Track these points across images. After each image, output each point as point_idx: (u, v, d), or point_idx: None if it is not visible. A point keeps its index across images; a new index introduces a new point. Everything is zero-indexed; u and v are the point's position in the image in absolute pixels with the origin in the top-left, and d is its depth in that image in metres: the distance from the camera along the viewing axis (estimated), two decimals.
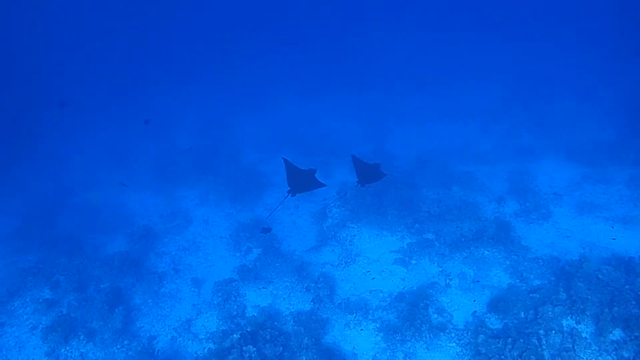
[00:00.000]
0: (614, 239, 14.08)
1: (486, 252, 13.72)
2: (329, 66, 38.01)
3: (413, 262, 13.96)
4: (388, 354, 11.27)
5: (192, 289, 14.40)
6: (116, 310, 13.07)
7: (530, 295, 11.88)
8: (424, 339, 11.36)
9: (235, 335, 11.33)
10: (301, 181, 13.09)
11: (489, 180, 18.77)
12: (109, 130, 28.21)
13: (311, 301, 12.93)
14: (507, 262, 13.36)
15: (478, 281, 12.93)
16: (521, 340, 10.38)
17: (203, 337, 12.54)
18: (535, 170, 19.22)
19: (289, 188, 12.92)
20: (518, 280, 12.78)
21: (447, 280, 13.04)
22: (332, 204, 17.13)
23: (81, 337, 12.50)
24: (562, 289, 11.79)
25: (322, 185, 13.07)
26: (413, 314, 11.73)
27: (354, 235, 15.47)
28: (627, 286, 11.34)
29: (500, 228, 14.37)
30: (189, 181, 20.94)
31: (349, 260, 14.49)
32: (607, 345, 10.33)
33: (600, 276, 11.70)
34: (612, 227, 14.71)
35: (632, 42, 33.97)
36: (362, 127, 26.30)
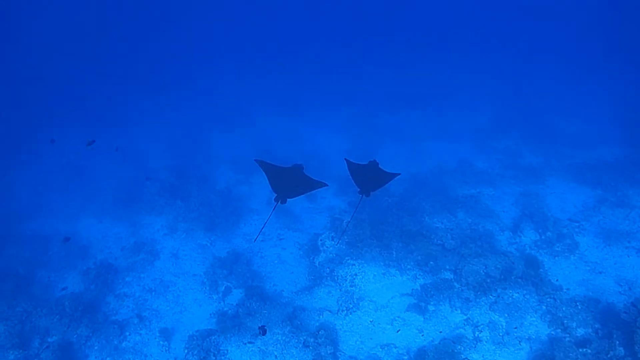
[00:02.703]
0: None
1: (516, 295, 11.51)
2: (312, 79, 35.84)
3: (431, 308, 11.58)
4: None
5: (161, 343, 11.80)
6: None
7: (580, 350, 9.73)
8: None
9: None
10: (289, 181, 10.63)
11: (496, 204, 16.72)
12: (63, 147, 25.26)
13: None
14: (543, 307, 11.16)
15: (512, 332, 10.70)
16: None
17: None
18: (544, 193, 17.29)
19: (275, 195, 10.41)
20: (559, 330, 10.60)
21: (476, 332, 10.73)
22: (324, 235, 14.70)
23: None
24: (617, 342, 9.66)
25: (321, 183, 10.54)
26: None
27: (355, 274, 12.96)
28: None
29: (529, 264, 12.20)
30: (156, 207, 18.15)
31: (351, 306, 11.99)
32: None
33: None
34: None
35: (628, 53, 32.93)
36: (349, 144, 24.07)
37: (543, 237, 14.12)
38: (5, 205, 19.59)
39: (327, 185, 10.74)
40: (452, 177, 19.04)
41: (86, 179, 22.03)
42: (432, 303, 11.69)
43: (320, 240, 14.47)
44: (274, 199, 10.32)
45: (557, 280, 12.14)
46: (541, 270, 12.23)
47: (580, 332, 10.49)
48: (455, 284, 12.02)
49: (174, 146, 24.70)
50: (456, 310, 11.44)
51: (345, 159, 11.66)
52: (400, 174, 11.72)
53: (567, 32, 44.33)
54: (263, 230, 15.76)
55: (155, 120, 29.75)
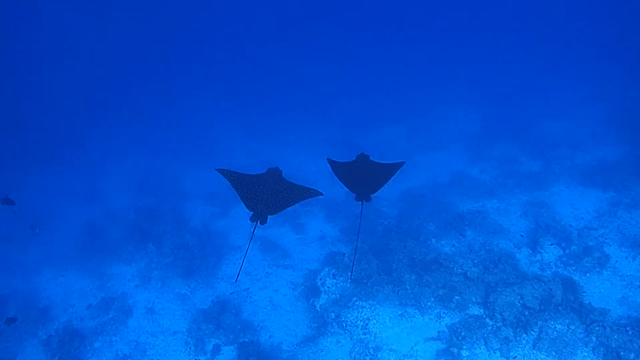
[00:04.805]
0: None
1: (559, 327, 9.80)
2: (286, 97, 33.91)
3: (464, 353, 9.72)
4: None
5: None
6: None
7: None
8: None
9: None
10: (266, 192, 8.05)
11: (504, 218, 15.10)
12: (20, 189, 22.87)
13: None
14: (593, 338, 9.48)
15: None
16: None
17: None
18: (552, 201, 15.74)
19: (250, 213, 7.90)
20: None
21: None
22: (323, 272, 12.79)
23: None
24: None
25: (313, 191, 8.13)
26: None
27: (368, 319, 11.04)
28: None
29: (567, 289, 10.51)
30: (125, 253, 15.97)
31: (367, 359, 10.12)
32: None
33: None
34: None
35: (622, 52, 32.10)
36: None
37: (567, 251, 12.50)
38: None
39: (322, 194, 8.26)
40: (450, 191, 17.44)
41: (46, 224, 19.70)
42: (465, 347, 9.84)
43: (320, 278, 12.58)
44: (250, 219, 7.83)
45: (594, 301, 10.45)
46: (579, 292, 10.58)
47: None
48: (489, 320, 10.22)
49: (142, 184, 22.47)
50: (495, 353, 9.63)
51: (327, 159, 9.34)
52: (404, 162, 9.09)
53: (554, 31, 43.52)
54: (249, 270, 13.85)
55: (118, 158, 27.46)
